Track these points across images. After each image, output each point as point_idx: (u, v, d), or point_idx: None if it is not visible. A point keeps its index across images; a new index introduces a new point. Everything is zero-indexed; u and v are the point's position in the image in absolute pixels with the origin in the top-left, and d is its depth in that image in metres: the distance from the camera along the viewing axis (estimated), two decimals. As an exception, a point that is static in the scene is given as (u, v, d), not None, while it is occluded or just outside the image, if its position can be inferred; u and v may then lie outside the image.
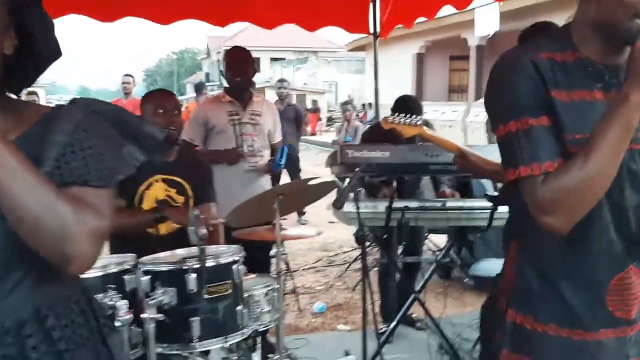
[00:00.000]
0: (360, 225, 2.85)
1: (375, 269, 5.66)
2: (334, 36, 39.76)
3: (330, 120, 29.01)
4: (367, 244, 2.96)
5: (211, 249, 2.28)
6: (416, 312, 4.40)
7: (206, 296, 2.12)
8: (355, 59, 33.55)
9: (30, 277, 1.15)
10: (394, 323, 3.90)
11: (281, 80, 8.44)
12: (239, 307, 2.23)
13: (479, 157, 2.54)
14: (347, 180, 6.13)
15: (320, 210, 9.26)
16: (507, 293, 1.54)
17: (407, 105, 3.88)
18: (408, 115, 2.67)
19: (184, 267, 2.13)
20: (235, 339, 2.25)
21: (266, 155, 3.84)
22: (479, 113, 17.37)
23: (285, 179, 7.46)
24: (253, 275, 2.65)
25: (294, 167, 7.83)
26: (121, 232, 2.80)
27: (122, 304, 1.95)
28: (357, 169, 2.83)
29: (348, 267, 5.93)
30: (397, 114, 2.73)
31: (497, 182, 2.75)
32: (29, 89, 7.99)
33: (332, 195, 3.02)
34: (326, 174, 12.27)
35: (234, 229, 2.79)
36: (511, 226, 1.60)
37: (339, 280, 5.66)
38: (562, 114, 1.31)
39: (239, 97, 3.75)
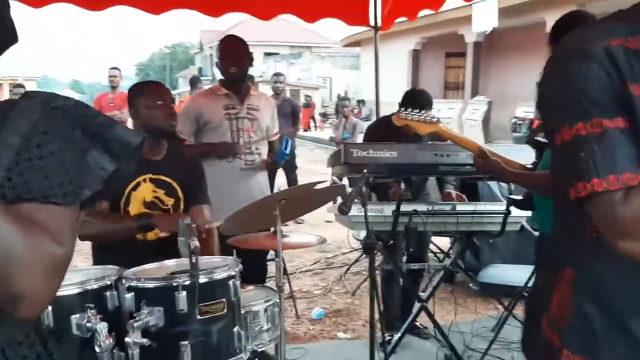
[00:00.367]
0: (368, 231, 2.60)
1: (376, 272, 5.47)
2: (329, 31, 39.35)
3: (324, 115, 28.73)
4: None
5: (204, 261, 2.02)
6: (420, 319, 4.17)
7: (198, 317, 1.85)
8: (350, 55, 33.32)
9: None
10: (400, 333, 3.65)
11: (277, 74, 8.16)
12: (235, 329, 1.98)
13: (501, 157, 2.31)
14: (343, 179, 5.94)
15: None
16: (557, 326, 1.29)
17: (416, 99, 3.64)
18: (423, 111, 2.43)
19: (174, 284, 1.87)
20: (231, 364, 1.99)
21: (264, 152, 3.57)
22: (475, 110, 17.21)
23: (281, 175, 7.22)
24: (250, 287, 2.40)
25: (290, 163, 7.58)
26: (104, 239, 2.57)
27: (102, 327, 1.69)
28: (364, 171, 2.58)
29: (347, 270, 5.68)
30: (410, 109, 2.48)
31: (522, 186, 2.51)
32: (16, 82, 7.77)
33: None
34: (321, 170, 12.01)
35: (229, 236, 2.53)
36: (563, 249, 1.32)
37: (338, 284, 5.41)
38: None
39: (235, 90, 3.48)
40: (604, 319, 1.17)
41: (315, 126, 26.58)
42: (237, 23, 39.47)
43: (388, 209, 3.29)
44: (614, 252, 1.07)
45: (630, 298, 1.15)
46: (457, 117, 17.00)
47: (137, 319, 1.78)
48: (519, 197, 2.61)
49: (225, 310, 1.94)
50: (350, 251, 6.28)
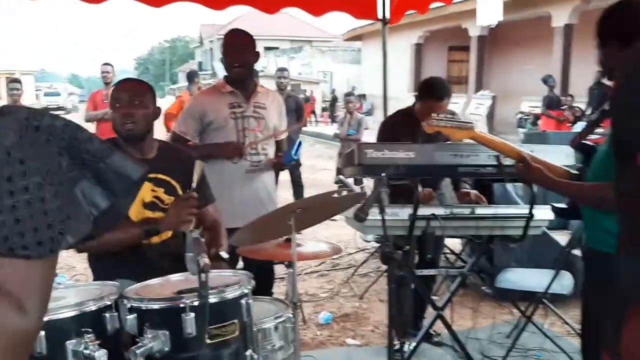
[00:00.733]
0: (387, 239, 2.41)
1: (373, 269, 5.33)
2: (329, 25, 39.18)
3: (324, 110, 28.52)
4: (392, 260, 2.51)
5: (213, 275, 1.83)
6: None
7: (208, 341, 1.67)
8: (350, 49, 33.08)
9: None
10: (415, 341, 3.47)
11: (281, 70, 7.95)
12: (248, 352, 1.79)
13: (544, 162, 2.11)
14: (346, 181, 5.74)
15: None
16: None
17: (434, 89, 3.45)
18: (456, 116, 2.26)
19: (180, 305, 1.68)
20: (243, 393, 1.80)
21: (270, 152, 3.37)
22: (479, 105, 17.04)
23: (285, 174, 7.01)
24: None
25: (295, 164, 7.38)
26: (105, 250, 2.39)
27: (101, 355, 1.51)
28: (383, 174, 2.39)
29: (355, 271, 5.49)
30: (443, 115, 2.31)
31: (564, 196, 2.28)
32: (12, 77, 7.52)
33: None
34: (322, 166, 11.84)
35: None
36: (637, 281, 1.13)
37: (345, 287, 5.23)
38: None
39: (241, 87, 3.27)
40: None
41: (317, 121, 26.37)
42: (237, 17, 39.17)
43: (403, 212, 3.10)
44: None
45: None
46: (461, 111, 16.79)
47: (139, 344, 1.60)
48: (563, 206, 2.40)
49: (237, 332, 1.76)
50: (357, 251, 6.09)
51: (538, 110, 12.82)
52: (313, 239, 2.75)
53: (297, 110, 7.57)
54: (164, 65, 71.82)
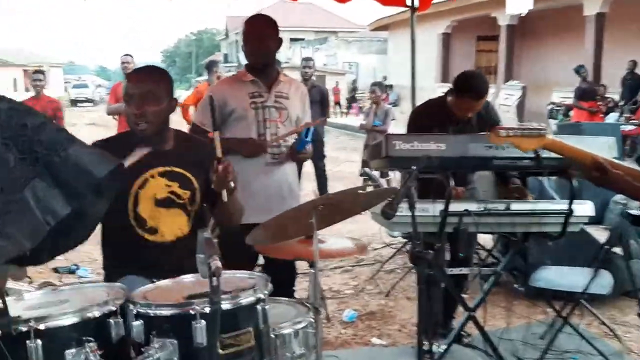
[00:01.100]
0: (417, 238, 2.23)
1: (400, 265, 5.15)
2: (355, 16, 38.75)
3: (354, 101, 28.26)
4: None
5: (226, 276, 1.67)
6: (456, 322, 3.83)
7: (220, 351, 1.51)
8: (376, 39, 32.73)
9: None
10: (446, 344, 3.29)
11: (307, 59, 7.77)
12: (264, 363, 1.64)
13: (624, 168, 1.90)
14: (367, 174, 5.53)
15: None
16: None
17: (474, 86, 3.24)
18: (523, 124, 2.09)
19: (190, 312, 1.53)
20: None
21: (289, 140, 3.20)
22: (508, 96, 16.66)
23: (309, 166, 6.85)
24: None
25: (319, 152, 7.21)
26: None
27: (103, 366, 1.37)
28: (414, 168, 2.21)
29: (380, 268, 5.30)
30: (510, 125, 2.14)
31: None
32: (35, 68, 7.49)
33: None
34: (347, 158, 11.66)
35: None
36: None
37: (371, 283, 5.05)
38: None
39: (262, 76, 3.10)
40: None
41: (341, 112, 26.12)
42: (262, 8, 39.07)
43: (434, 208, 2.91)
44: None
45: None
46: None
47: (145, 354, 1.45)
48: (636, 212, 2.19)
49: (253, 341, 1.60)
50: (383, 247, 5.90)
51: (569, 101, 12.44)
52: (336, 234, 2.59)
53: (322, 101, 7.40)
54: (190, 57, 72.08)
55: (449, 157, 2.78)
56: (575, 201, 3.00)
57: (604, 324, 3.84)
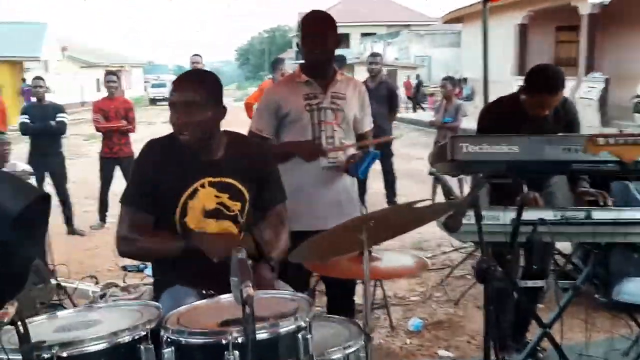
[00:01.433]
0: (483, 252, 2.01)
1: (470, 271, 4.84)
2: (428, 8, 38.07)
3: (423, 96, 27.69)
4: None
5: (266, 303, 1.52)
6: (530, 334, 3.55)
7: (256, 386, 1.36)
8: (450, 32, 31.96)
9: None
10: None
11: (373, 55, 7.55)
12: (306, 398, 1.47)
13: None
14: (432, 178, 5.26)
15: (413, 198, 8.44)
16: None
17: (547, 80, 2.96)
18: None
19: (223, 341, 1.39)
20: None
21: (351, 148, 3.02)
22: (590, 89, 15.82)
23: (376, 163, 6.62)
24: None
25: (386, 153, 6.99)
26: (147, 259, 2.19)
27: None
28: (481, 175, 1.99)
29: (450, 273, 5.04)
30: (605, 134, 1.89)
31: None
32: (108, 68, 7.66)
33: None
34: (418, 155, 11.30)
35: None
36: None
37: (439, 290, 4.80)
38: None
39: (318, 75, 2.92)
40: None
41: (414, 107, 25.64)
42: (334, 4, 39.04)
43: (505, 216, 2.66)
44: None
45: None
46: (570, 96, 15.64)
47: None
48: None
49: (293, 375, 1.44)
50: (452, 250, 5.63)
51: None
52: (394, 245, 2.40)
53: (390, 98, 7.17)
54: (263, 55, 73.00)
55: (523, 160, 2.52)
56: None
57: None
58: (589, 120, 13.51)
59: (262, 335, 1.39)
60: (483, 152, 2.52)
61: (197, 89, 2.12)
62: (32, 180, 3.83)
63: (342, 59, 8.02)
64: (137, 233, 2.07)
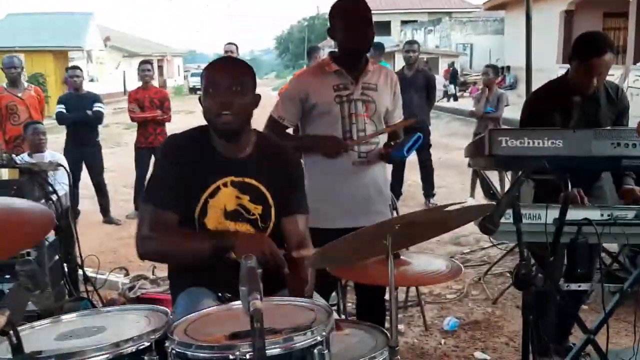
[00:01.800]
0: (523, 257, 1.84)
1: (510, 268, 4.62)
2: (471, -5, 37.28)
3: (463, 85, 27.10)
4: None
5: (281, 311, 1.40)
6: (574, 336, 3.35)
7: (265, 407, 1.24)
8: (492, 19, 31.26)
9: None
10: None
11: (410, 43, 7.32)
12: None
13: None
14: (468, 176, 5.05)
15: (451, 190, 8.24)
16: None
17: (591, 42, 2.76)
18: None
19: (230, 357, 1.27)
20: None
21: (381, 143, 2.83)
22: (639, 77, 15.20)
23: (412, 161, 6.43)
24: (345, 331, 1.74)
25: (424, 143, 6.78)
26: (171, 261, 2.08)
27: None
28: (520, 173, 1.82)
29: (488, 270, 4.84)
30: None
31: None
32: (144, 59, 7.51)
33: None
34: (457, 145, 10.97)
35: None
36: None
37: (476, 288, 4.61)
38: None
39: (350, 65, 2.74)
40: None
41: (455, 95, 25.11)
42: (374, -9, 38.56)
43: (548, 215, 2.47)
44: None
45: None
46: (618, 84, 15.08)
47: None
48: None
49: (307, 395, 1.31)
50: (491, 246, 5.41)
51: None
52: (431, 240, 2.23)
53: (428, 87, 6.95)
54: (302, 43, 72.80)
55: (568, 156, 2.33)
56: None
57: None
58: (638, 111, 13.00)
59: (273, 350, 1.26)
60: (524, 147, 2.34)
61: (241, 69, 2.07)
62: (59, 174, 3.78)
63: (380, 46, 7.82)
64: (159, 232, 1.95)
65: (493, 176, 5.40)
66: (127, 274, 4.63)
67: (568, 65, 2.98)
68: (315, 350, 1.33)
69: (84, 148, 6.82)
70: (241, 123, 2.03)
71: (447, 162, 9.97)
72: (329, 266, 1.83)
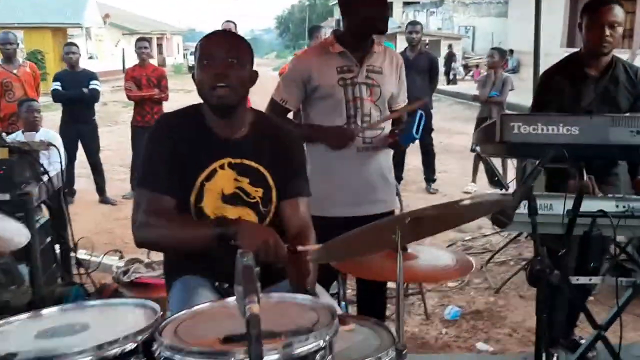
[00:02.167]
0: (537, 251, 1.73)
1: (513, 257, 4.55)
2: (474, -23, 36.77)
3: (466, 68, 26.87)
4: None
5: (280, 311, 1.28)
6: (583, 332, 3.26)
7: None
8: (496, 1, 30.93)
9: None
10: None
11: (412, 23, 7.15)
12: None
13: None
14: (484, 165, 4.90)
15: (453, 175, 8.12)
16: None
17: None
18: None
19: (222, 362, 1.16)
20: None
21: (387, 126, 2.70)
22: (645, 62, 15.02)
23: (413, 145, 6.29)
24: (350, 326, 1.63)
25: (425, 127, 6.65)
26: (171, 248, 1.96)
27: None
28: (537, 163, 1.70)
29: (490, 258, 4.74)
30: None
31: None
32: (141, 36, 7.35)
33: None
34: (459, 129, 10.86)
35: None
36: None
37: (478, 276, 4.51)
38: None
39: (355, 46, 2.58)
40: None
41: (455, 79, 24.88)
42: (376, -29, 37.88)
43: (560, 206, 2.36)
44: None
45: None
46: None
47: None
48: None
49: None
50: (494, 233, 5.30)
51: None
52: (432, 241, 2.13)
53: (431, 69, 6.80)
54: (303, 23, 72.20)
55: (584, 143, 2.21)
56: None
57: None
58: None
59: (272, 357, 1.15)
60: (537, 133, 2.22)
61: (238, 42, 1.96)
62: (53, 153, 3.65)
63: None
64: (157, 218, 1.82)
65: (495, 161, 5.29)
66: (121, 257, 4.52)
67: (573, 49, 2.85)
68: (317, 356, 1.21)
69: (79, 126, 6.70)
70: (238, 98, 1.89)
71: (448, 146, 9.85)
72: (334, 261, 1.72)
